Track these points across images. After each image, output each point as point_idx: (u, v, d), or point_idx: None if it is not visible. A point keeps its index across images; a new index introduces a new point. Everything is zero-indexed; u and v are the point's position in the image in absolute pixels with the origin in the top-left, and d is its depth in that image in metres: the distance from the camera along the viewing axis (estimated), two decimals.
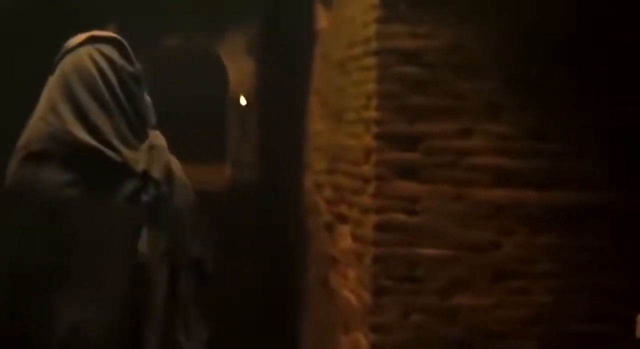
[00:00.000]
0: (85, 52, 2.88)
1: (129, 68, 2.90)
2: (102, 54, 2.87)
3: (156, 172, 2.84)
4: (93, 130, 2.79)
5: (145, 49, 11.16)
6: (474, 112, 4.11)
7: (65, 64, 2.88)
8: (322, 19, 5.39)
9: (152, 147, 2.86)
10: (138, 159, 2.82)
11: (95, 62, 2.85)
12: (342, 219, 4.72)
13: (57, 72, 2.89)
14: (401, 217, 4.11)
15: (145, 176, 2.82)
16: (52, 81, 2.90)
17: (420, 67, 4.08)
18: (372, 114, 4.14)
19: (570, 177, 4.14)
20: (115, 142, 2.80)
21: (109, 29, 8.68)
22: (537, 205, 4.13)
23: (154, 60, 11.18)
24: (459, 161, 4.11)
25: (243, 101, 10.78)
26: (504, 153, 4.12)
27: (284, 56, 7.55)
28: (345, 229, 4.67)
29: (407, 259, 4.11)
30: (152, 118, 3.00)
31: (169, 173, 2.89)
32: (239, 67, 11.53)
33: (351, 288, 4.55)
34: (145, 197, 2.82)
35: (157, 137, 2.90)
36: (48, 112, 2.86)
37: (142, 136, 2.86)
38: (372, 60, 4.14)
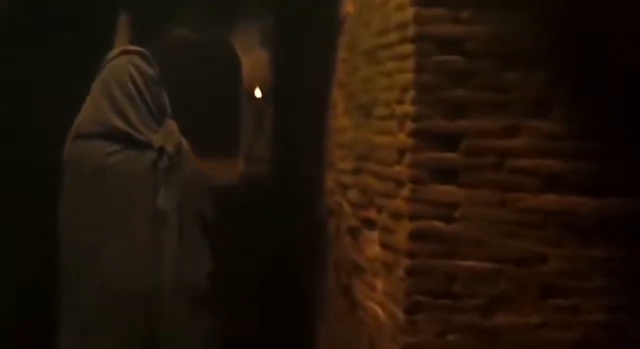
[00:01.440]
0: (119, 62, 4.27)
1: (151, 72, 4.27)
2: (132, 63, 4.23)
3: (169, 148, 4.23)
4: (124, 118, 4.17)
5: (156, 40, 10.85)
6: (520, 108, 3.67)
7: (105, 71, 4.26)
8: (347, 4, 4.94)
9: (167, 130, 4.23)
10: (157, 139, 4.22)
11: (127, 69, 4.20)
12: (370, 224, 4.28)
13: (99, 77, 4.25)
14: (438, 224, 3.68)
15: (161, 150, 4.20)
16: (96, 83, 4.26)
17: (462, 56, 3.64)
18: (408, 108, 3.71)
19: (627, 183, 3.70)
20: (141, 126, 4.17)
21: (121, 19, 8.38)
22: (590, 213, 3.70)
23: (165, 51, 10.85)
24: (504, 163, 3.68)
25: (258, 94, 10.40)
26: (553, 154, 3.69)
27: (301, 47, 7.13)
28: (372, 236, 4.23)
29: (444, 272, 3.68)
30: (168, 110, 4.33)
31: (179, 149, 4.27)
32: (253, 58, 11.21)
33: (379, 301, 4.12)
34: (161, 165, 4.18)
35: (171, 124, 4.32)
36: (92, 105, 4.24)
37: (160, 122, 4.25)
38: (408, 48, 3.71)
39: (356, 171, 4.55)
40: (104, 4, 7.21)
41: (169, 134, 4.26)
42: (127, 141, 4.15)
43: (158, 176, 4.14)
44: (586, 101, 3.67)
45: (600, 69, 3.67)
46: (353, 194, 4.62)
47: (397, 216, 3.83)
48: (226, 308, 5.10)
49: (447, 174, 3.67)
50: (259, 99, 10.63)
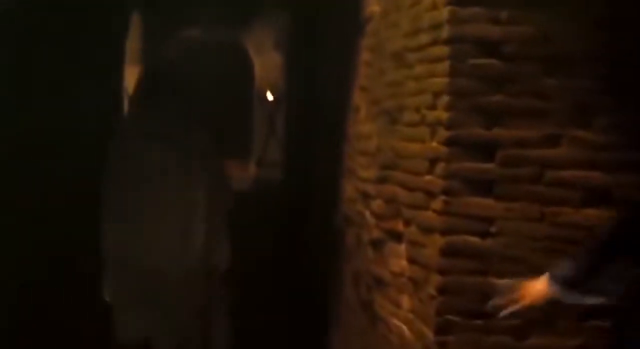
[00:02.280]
0: None
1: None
2: None
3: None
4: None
5: (167, 40, 10.63)
6: (562, 116, 3.42)
7: None
8: (372, 4, 4.70)
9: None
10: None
11: None
12: (396, 236, 4.03)
13: None
14: (472, 239, 3.43)
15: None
16: None
17: (501, 59, 3.40)
18: (441, 114, 3.46)
19: None
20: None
21: (132, 18, 8.15)
22: (634, 230, 3.42)
23: (176, 52, 10.64)
24: (543, 174, 3.44)
25: (270, 97, 10.19)
26: (597, 166, 3.44)
27: (318, 49, 6.89)
28: (398, 249, 3.99)
29: (478, 290, 3.42)
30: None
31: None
32: (266, 60, 11.01)
33: (405, 319, 3.87)
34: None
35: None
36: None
37: None
38: (442, 50, 3.46)
39: (381, 180, 4.30)
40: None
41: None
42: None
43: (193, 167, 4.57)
44: (633, 109, 3.42)
45: None
46: (377, 204, 4.37)
47: (427, 229, 3.58)
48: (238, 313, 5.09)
49: (482, 186, 3.43)
50: (271, 102, 10.44)
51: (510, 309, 3.08)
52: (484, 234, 3.43)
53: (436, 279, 3.46)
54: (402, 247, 3.94)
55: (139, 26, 10.08)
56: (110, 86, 7.03)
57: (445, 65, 3.44)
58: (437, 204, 3.48)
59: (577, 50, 3.40)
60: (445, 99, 3.43)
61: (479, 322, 3.43)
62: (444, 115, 3.44)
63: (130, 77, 9.30)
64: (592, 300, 3.01)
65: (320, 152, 6.27)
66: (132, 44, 8.89)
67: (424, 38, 3.68)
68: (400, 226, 3.97)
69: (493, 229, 3.43)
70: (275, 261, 7.71)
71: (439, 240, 3.45)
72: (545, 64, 3.40)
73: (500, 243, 3.43)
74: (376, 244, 4.39)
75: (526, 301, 3.06)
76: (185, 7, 9.64)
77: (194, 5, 9.69)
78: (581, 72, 3.40)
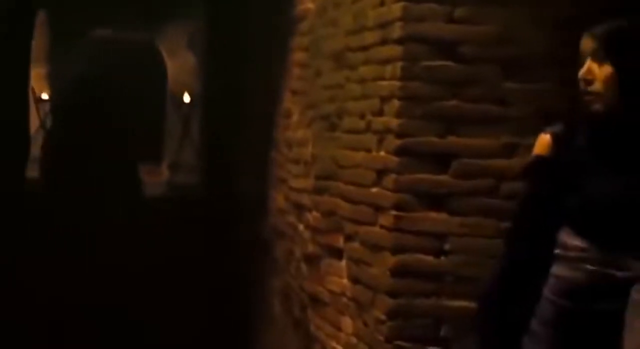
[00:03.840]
0: None
1: None
2: None
3: None
4: None
5: (76, 40, 10.21)
6: (522, 123, 3.15)
7: None
8: (306, 1, 4.37)
9: None
10: None
11: None
12: (335, 252, 3.72)
13: None
14: (425, 258, 3.14)
15: None
16: None
17: (457, 61, 3.13)
18: (391, 121, 3.17)
19: None
20: None
21: (37, 17, 7.70)
22: None
23: (86, 52, 10.24)
24: (500, 186, 3.16)
25: (186, 98, 9.80)
26: None
27: (239, 49, 6.54)
28: (338, 266, 3.68)
29: (431, 313, 3.13)
30: None
31: None
32: (180, 61, 10.64)
33: (347, 343, 3.57)
34: None
35: None
36: None
37: None
38: (392, 51, 3.16)
39: (318, 191, 3.97)
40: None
41: None
42: None
43: None
44: None
45: None
46: (313, 216, 4.05)
47: (374, 246, 3.28)
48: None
49: (435, 199, 3.15)
50: (186, 104, 10.05)
51: None
52: (437, 252, 3.16)
53: (385, 301, 3.16)
54: (343, 265, 3.63)
55: (46, 26, 9.62)
56: (15, 86, 6.59)
57: (395, 67, 3.15)
58: (386, 219, 3.18)
59: (539, 52, 3.15)
60: (395, 104, 3.14)
61: None
62: (393, 122, 3.15)
63: (36, 77, 8.89)
64: None
65: (246, 158, 5.92)
66: (39, 43, 8.45)
67: (369, 37, 3.38)
68: (340, 241, 3.66)
69: (447, 247, 3.16)
70: (192, 271, 7.33)
71: (388, 259, 3.16)
72: (504, 66, 3.15)
73: (454, 262, 3.15)
74: (311, 260, 4.07)
75: None
76: (95, 7, 9.25)
77: (104, 5, 9.29)
78: (543, 76, 3.16)
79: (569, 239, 2.34)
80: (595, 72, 2.28)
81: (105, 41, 10.20)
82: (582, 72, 2.29)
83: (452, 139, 3.13)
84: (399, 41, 3.12)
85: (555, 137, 2.43)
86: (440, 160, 3.14)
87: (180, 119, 10.31)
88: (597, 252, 2.29)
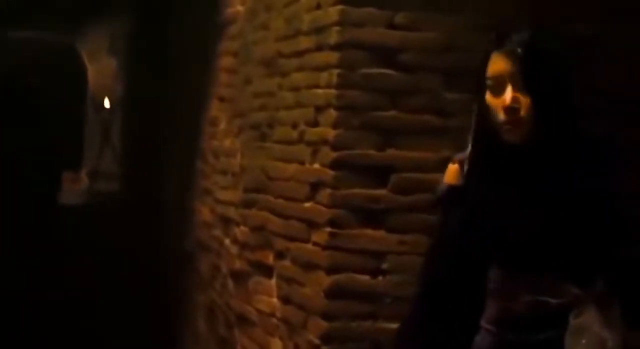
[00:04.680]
0: None
1: None
2: None
3: None
4: None
5: None
6: (465, 135, 2.97)
7: None
8: (235, 3, 4.17)
9: None
10: None
11: None
12: (264, 270, 3.52)
13: None
14: (362, 278, 2.96)
15: None
16: None
17: (397, 69, 2.96)
18: (326, 131, 2.98)
19: None
20: None
21: None
22: None
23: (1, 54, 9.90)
24: None
25: (107, 104, 9.51)
26: None
27: (162, 53, 6.31)
28: (268, 285, 3.48)
29: (368, 337, 2.96)
30: None
31: None
32: (100, 66, 10.36)
33: None
34: None
35: None
36: None
37: None
38: (328, 57, 2.98)
39: (247, 204, 3.77)
40: None
41: None
42: None
43: None
44: None
45: None
46: (241, 231, 3.84)
47: (307, 265, 3.09)
48: None
49: (373, 216, 2.97)
50: (107, 109, 9.77)
51: None
52: (374, 272, 2.98)
53: (319, 324, 2.98)
54: (273, 283, 3.43)
55: None
56: None
57: (331, 75, 2.96)
58: (320, 236, 2.99)
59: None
60: (331, 114, 2.96)
61: None
62: (329, 133, 2.96)
63: None
64: None
65: (170, 167, 5.68)
66: None
67: (304, 42, 3.19)
68: (270, 259, 3.47)
69: (385, 266, 2.99)
70: (111, 283, 7.06)
71: (322, 279, 2.97)
72: (446, 76, 2.98)
73: (393, 282, 2.98)
74: (239, 277, 3.87)
75: None
76: (13, 9, 8.92)
77: (22, 6, 8.97)
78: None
79: (495, 272, 2.20)
80: (521, 100, 2.09)
81: (22, 42, 9.86)
82: (508, 100, 2.09)
83: (391, 152, 2.96)
84: (336, 47, 2.94)
85: (463, 166, 2.29)
86: (379, 174, 2.96)
87: (100, 125, 10.03)
88: (527, 282, 2.15)
